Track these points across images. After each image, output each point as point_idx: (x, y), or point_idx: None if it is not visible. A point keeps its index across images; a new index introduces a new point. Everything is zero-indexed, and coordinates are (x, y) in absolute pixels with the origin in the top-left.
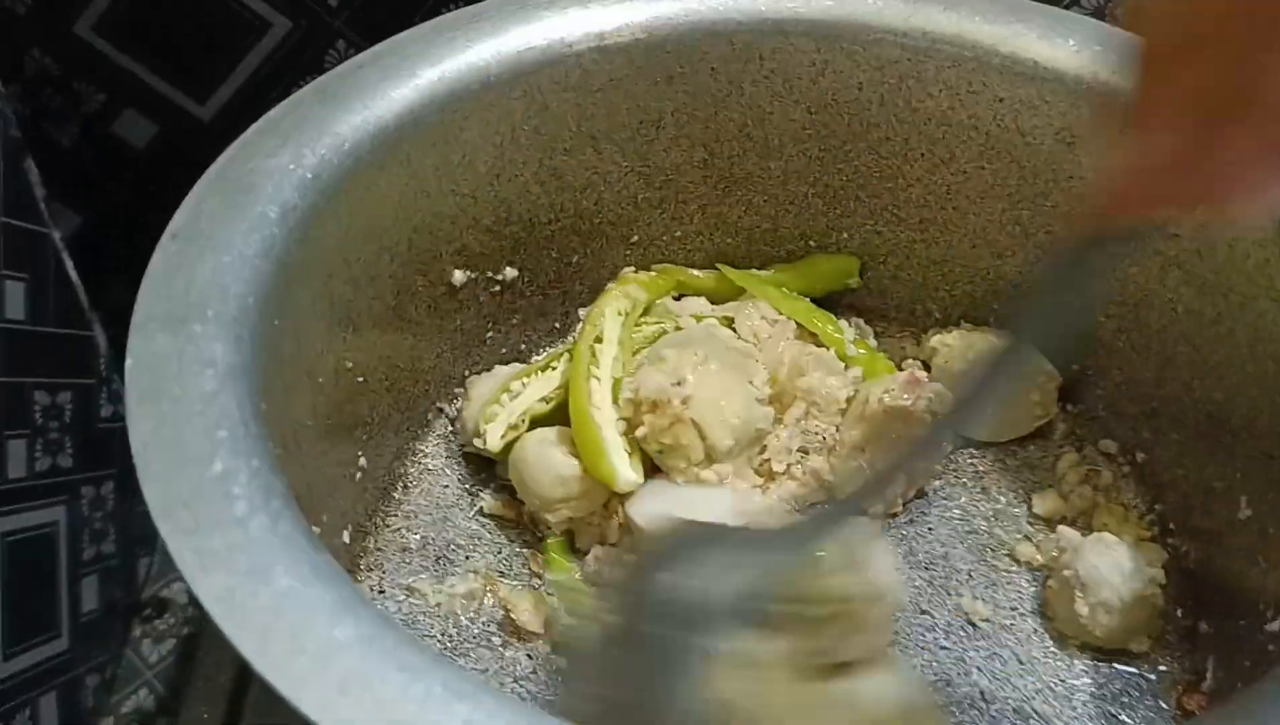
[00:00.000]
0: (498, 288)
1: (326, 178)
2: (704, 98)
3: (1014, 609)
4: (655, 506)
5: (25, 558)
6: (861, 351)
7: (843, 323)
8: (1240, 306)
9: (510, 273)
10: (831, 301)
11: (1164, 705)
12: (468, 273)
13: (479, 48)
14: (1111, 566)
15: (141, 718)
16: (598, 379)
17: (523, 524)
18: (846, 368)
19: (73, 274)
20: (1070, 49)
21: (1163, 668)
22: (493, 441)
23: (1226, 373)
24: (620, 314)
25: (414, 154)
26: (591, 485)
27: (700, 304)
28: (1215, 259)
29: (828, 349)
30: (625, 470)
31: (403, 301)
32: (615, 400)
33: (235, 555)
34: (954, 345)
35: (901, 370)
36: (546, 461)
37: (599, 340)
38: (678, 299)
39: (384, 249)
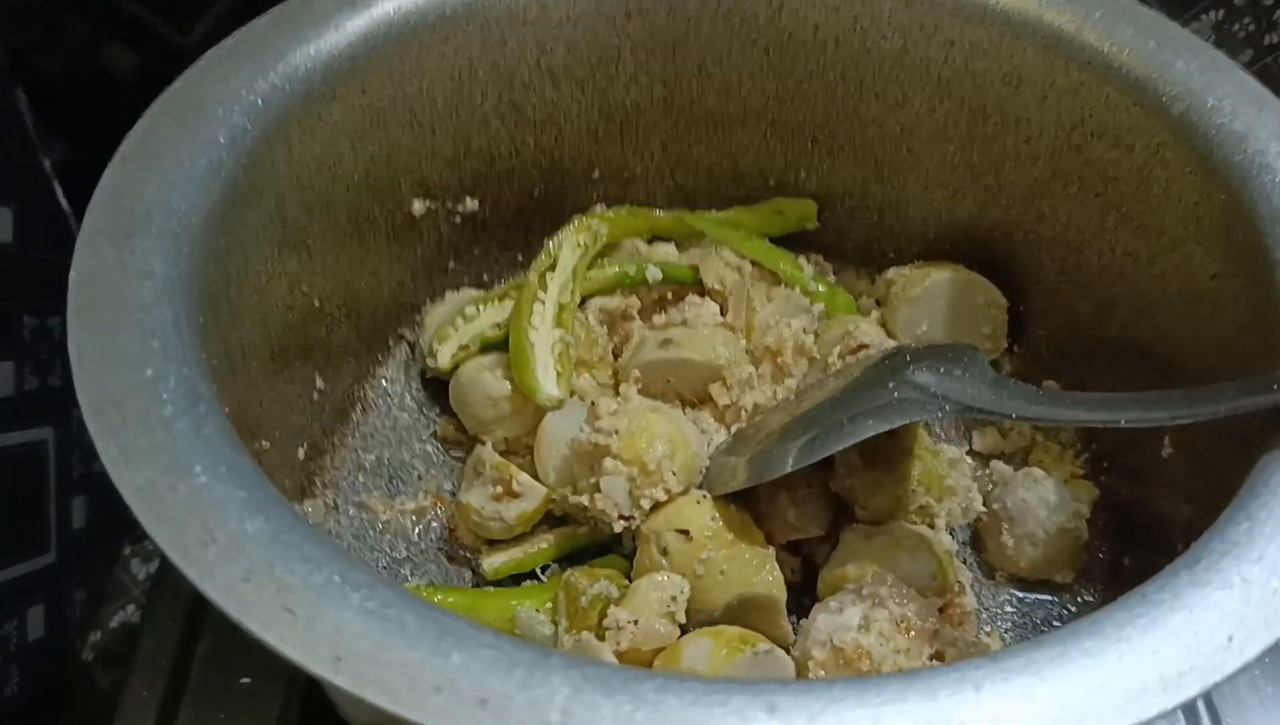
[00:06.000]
0: (459, 219)
1: (277, 104)
2: (661, 36)
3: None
4: (571, 425)
5: (12, 476)
6: (822, 288)
7: (801, 260)
8: (1171, 248)
9: (471, 204)
10: (790, 241)
11: None
12: (427, 203)
13: None
14: (1038, 500)
15: (128, 633)
16: (542, 302)
17: (470, 447)
18: (811, 302)
19: (62, 201)
20: None
21: (1084, 599)
22: (443, 360)
23: (1158, 312)
24: (579, 246)
25: (369, 85)
26: (522, 405)
27: (668, 250)
28: (1150, 201)
29: (791, 287)
30: (548, 385)
31: (360, 229)
32: (558, 324)
33: (158, 453)
34: (908, 274)
35: (860, 308)
36: (480, 382)
37: (552, 268)
38: (650, 242)
39: (338, 177)
